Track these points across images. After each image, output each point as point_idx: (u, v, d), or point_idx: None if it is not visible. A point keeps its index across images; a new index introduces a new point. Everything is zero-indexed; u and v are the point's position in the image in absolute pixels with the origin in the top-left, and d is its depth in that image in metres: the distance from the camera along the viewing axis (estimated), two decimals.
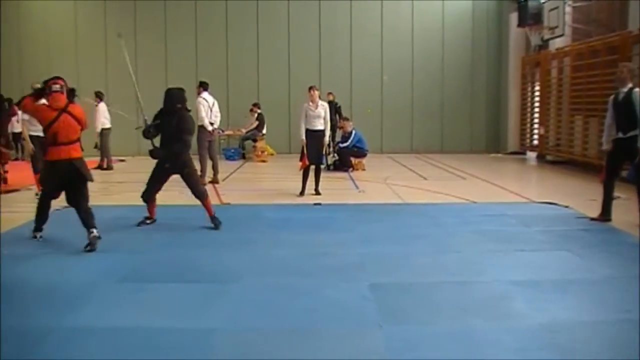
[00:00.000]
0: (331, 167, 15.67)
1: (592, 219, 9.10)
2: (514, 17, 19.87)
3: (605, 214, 9.04)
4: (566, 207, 10.22)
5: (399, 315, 5.05)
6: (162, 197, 8.54)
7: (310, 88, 11.53)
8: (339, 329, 4.78)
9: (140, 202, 8.63)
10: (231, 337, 4.61)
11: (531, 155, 20.49)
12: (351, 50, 21.41)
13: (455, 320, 4.93)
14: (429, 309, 5.22)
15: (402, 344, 4.44)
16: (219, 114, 13.61)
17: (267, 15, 21.01)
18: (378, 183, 13.58)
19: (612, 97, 8.95)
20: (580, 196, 11.48)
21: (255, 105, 19.40)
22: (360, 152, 16.27)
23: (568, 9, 17.21)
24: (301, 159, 11.42)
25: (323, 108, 11.45)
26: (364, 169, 16.01)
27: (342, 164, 15.92)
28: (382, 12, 21.41)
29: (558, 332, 4.64)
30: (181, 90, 8.81)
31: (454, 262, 6.81)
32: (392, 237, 8.05)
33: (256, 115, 19.15)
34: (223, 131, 17.51)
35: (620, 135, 8.67)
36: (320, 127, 11.41)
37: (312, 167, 11.51)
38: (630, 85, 8.58)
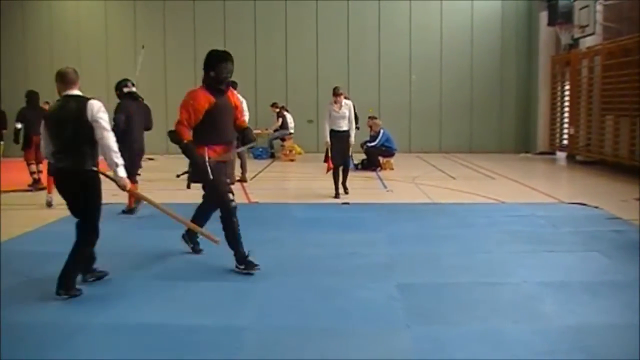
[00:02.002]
0: (359, 167, 15.66)
1: None
2: (543, 16, 19.67)
3: None
4: (596, 207, 10.11)
5: (427, 315, 5.05)
6: (188, 196, 8.58)
7: (335, 93, 11.22)
8: (366, 329, 4.79)
9: (170, 200, 8.70)
10: (261, 336, 4.65)
11: (561, 155, 20.29)
12: (379, 49, 21.40)
13: (484, 321, 4.92)
14: (457, 309, 5.21)
15: (430, 345, 4.44)
16: (247, 113, 13.65)
17: (296, 15, 21.07)
18: (406, 182, 13.56)
19: None
20: (611, 197, 11.36)
21: (274, 105, 19.49)
22: (389, 152, 16.25)
23: (599, 7, 17.01)
24: (325, 161, 11.32)
25: (347, 107, 11.23)
26: (392, 169, 15.99)
27: (370, 164, 15.91)
28: (410, 11, 21.36)
29: (587, 335, 4.61)
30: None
31: (483, 262, 6.78)
32: (421, 237, 8.04)
33: (276, 113, 19.26)
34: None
35: None
36: (345, 128, 11.22)
37: (340, 167, 11.38)
38: None
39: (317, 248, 7.31)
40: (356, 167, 15.17)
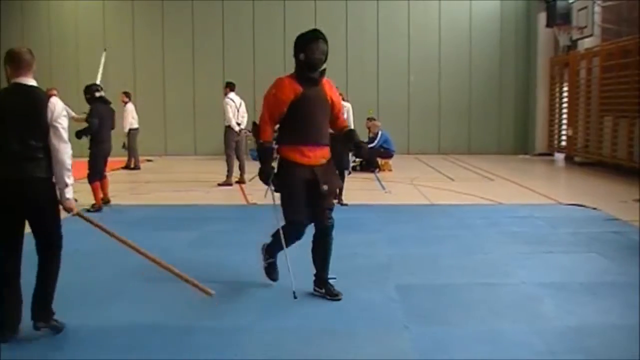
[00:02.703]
0: (357, 168, 15.67)
1: None
2: (542, 17, 19.68)
3: None
4: (594, 209, 10.11)
5: (426, 316, 5.04)
6: (187, 197, 8.59)
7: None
8: (365, 329, 4.78)
9: (169, 202, 8.69)
10: (260, 337, 4.63)
11: (559, 156, 20.33)
12: (378, 50, 21.39)
13: (483, 322, 4.91)
14: (457, 310, 5.20)
15: (429, 345, 4.43)
16: (245, 115, 13.65)
17: (294, 16, 20.97)
18: (405, 184, 13.55)
19: None
20: (610, 198, 11.36)
21: None
22: (387, 153, 16.24)
23: (597, 9, 17.06)
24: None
25: (345, 110, 10.83)
26: (390, 170, 15.99)
27: (369, 165, 15.89)
28: (409, 11, 21.34)
29: (587, 335, 4.61)
30: None
31: (482, 263, 6.78)
32: (420, 238, 8.03)
33: None
34: (250, 131, 17.57)
35: None
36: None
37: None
38: None
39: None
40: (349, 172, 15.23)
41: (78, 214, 4.80)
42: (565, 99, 19.97)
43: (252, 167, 15.50)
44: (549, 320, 4.97)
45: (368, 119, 17.14)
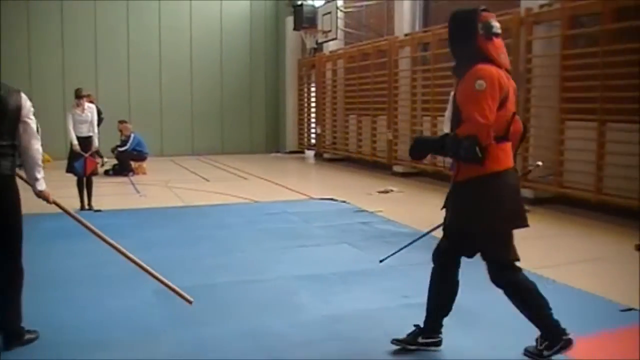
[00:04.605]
0: (110, 172, 15.11)
1: None
2: (290, 20, 20.36)
3: None
4: (344, 202, 10.65)
5: (188, 318, 4.92)
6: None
7: (78, 96, 10.27)
8: (126, 337, 4.55)
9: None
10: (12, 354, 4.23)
11: (310, 153, 21.19)
12: (129, 50, 20.69)
13: (244, 319, 4.91)
14: (217, 310, 5.15)
15: (192, 348, 4.34)
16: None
17: (37, 15, 19.69)
18: (160, 186, 13.28)
19: (452, 93, 8.91)
20: (357, 191, 12.08)
21: None
22: (140, 156, 15.80)
23: (340, 14, 17.98)
24: (68, 170, 10.25)
25: (90, 111, 10.29)
26: (145, 173, 15.58)
27: (122, 168, 15.36)
28: (159, 11, 20.93)
29: (341, 322, 4.79)
30: None
31: (240, 261, 6.81)
32: (177, 240, 7.88)
33: None
34: None
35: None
36: (89, 133, 10.23)
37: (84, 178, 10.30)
38: None
39: (68, 259, 6.85)
40: (106, 172, 14.74)
41: (54, 202, 4.68)
42: (313, 99, 20.87)
43: None
44: (306, 311, 5.10)
45: (119, 121, 16.49)
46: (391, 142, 15.25)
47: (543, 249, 7.22)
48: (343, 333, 4.58)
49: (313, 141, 20.89)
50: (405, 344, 4.21)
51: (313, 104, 20.91)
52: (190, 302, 4.76)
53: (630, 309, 4.17)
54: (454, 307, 4.14)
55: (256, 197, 11.46)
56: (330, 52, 19.13)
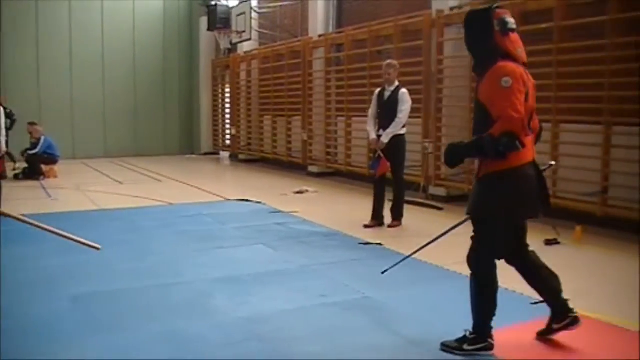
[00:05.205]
0: (20, 176, 14.66)
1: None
2: (204, 21, 20.24)
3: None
4: (259, 202, 10.70)
5: (105, 324, 4.86)
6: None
7: None
8: (44, 346, 4.45)
9: None
10: None
11: (224, 155, 21.12)
12: (38, 49, 20.06)
13: (161, 323, 4.88)
14: (135, 314, 5.10)
15: (111, 353, 4.29)
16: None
17: None
18: (72, 190, 12.97)
19: (377, 91, 8.78)
20: (272, 192, 12.14)
21: None
22: (51, 159, 15.37)
23: (254, 15, 18.01)
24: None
25: None
26: (56, 177, 15.16)
27: (33, 172, 14.90)
28: (70, 10, 20.41)
29: (259, 323, 4.83)
30: None
31: (156, 265, 6.75)
32: None
33: None
34: None
35: (381, 132, 8.46)
36: None
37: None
38: (397, 84, 8.57)
39: None
40: (16, 176, 14.33)
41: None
42: (227, 100, 20.81)
43: None
44: (224, 313, 5.11)
45: (29, 123, 15.98)
46: (306, 143, 15.38)
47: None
48: (262, 333, 4.62)
49: (228, 142, 20.83)
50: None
51: (227, 105, 20.86)
52: (97, 248, 4.92)
53: (540, 302, 4.38)
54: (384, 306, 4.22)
55: (171, 199, 11.35)
56: (245, 52, 19.12)
